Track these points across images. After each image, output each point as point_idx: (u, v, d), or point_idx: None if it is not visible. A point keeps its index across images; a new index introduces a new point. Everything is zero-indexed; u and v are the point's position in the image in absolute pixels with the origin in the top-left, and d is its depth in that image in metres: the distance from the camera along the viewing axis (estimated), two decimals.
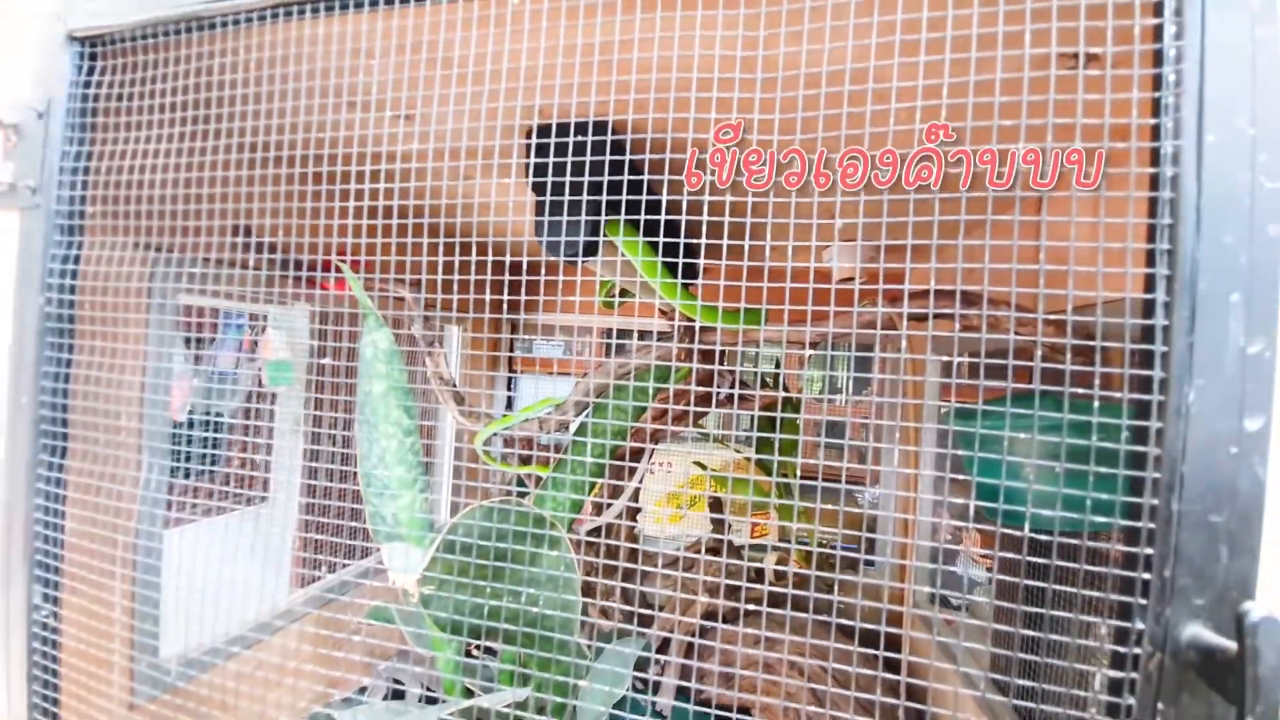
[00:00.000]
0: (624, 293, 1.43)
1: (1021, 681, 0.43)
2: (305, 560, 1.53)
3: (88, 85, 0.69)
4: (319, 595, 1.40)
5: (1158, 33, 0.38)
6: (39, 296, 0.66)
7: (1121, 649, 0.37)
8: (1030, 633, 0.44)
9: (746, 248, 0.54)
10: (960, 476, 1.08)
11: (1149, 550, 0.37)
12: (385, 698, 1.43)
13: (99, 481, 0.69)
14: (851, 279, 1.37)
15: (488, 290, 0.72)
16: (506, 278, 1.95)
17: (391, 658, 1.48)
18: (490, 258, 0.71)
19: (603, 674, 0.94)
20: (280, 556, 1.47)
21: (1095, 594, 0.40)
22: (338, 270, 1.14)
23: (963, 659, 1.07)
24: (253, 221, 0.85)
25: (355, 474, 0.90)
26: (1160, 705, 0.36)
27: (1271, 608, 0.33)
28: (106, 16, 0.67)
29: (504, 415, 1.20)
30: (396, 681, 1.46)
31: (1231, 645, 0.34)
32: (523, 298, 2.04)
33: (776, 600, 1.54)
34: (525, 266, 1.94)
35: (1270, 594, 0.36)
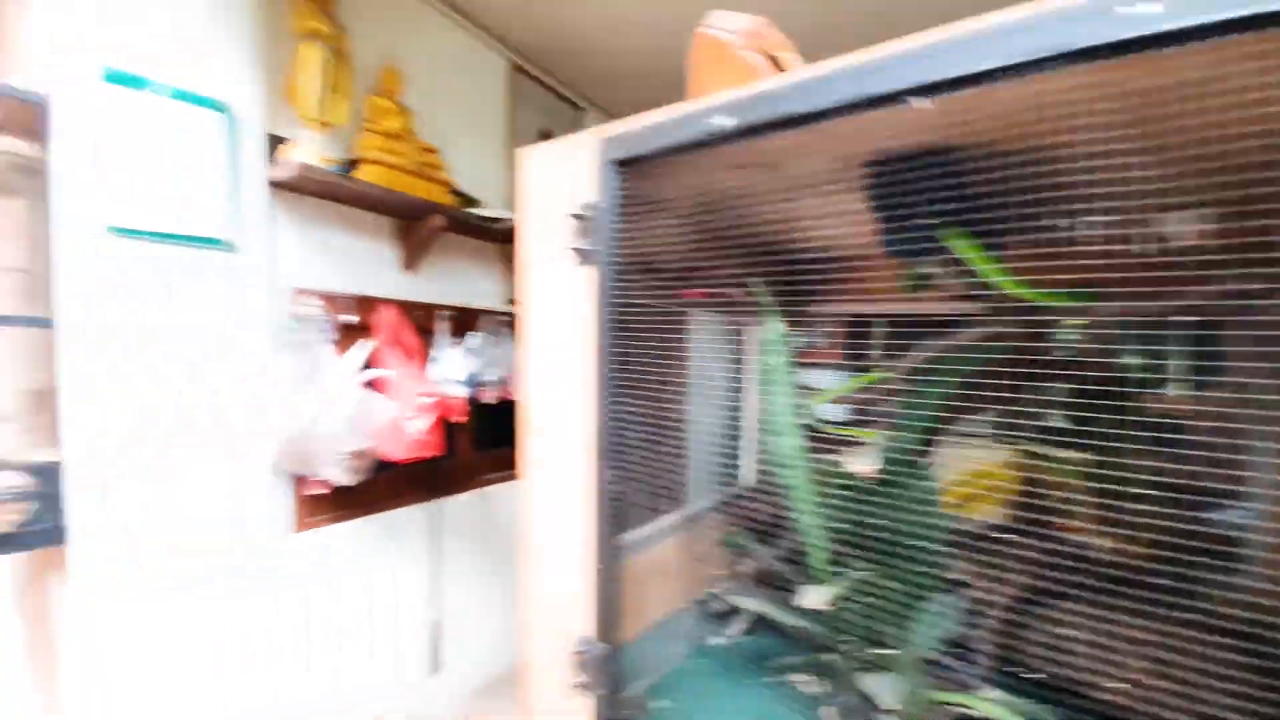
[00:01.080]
0: (928, 280, 1.63)
1: None
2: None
3: (622, 190, 1.22)
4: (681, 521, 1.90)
5: None
6: (607, 317, 1.21)
7: None
8: None
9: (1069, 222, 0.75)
10: None
11: None
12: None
13: (631, 417, 1.22)
14: (1192, 248, 1.33)
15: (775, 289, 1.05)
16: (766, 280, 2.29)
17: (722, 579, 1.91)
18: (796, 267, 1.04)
19: (932, 612, 1.19)
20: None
21: None
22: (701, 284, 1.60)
23: None
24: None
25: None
26: None
27: None
28: (633, 150, 1.19)
29: (838, 388, 1.52)
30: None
31: None
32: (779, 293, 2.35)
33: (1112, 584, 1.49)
34: (834, 269, 2.24)
35: None
